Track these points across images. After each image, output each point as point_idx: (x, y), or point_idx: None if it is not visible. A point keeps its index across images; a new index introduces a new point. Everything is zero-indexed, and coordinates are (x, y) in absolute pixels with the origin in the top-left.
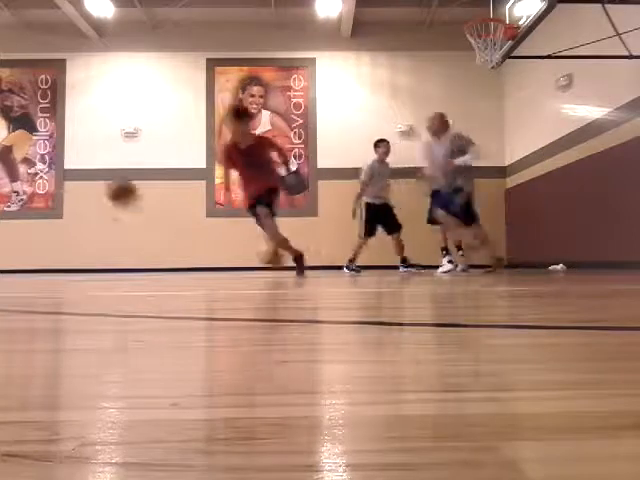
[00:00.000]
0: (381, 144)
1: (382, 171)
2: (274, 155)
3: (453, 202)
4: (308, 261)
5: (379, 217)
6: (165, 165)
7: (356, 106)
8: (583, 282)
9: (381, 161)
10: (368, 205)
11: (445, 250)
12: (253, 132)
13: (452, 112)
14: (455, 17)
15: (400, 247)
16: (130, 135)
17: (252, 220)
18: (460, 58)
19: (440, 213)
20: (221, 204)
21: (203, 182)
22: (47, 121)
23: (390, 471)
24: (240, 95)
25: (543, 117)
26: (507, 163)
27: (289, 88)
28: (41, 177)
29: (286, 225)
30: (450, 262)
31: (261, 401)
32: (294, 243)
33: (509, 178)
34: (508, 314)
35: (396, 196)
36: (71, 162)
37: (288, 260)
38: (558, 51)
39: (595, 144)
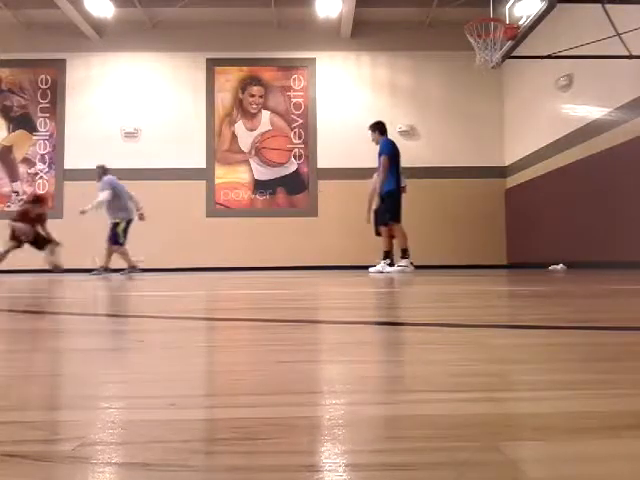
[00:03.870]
0: None
1: None
2: None
3: None
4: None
5: None
6: (165, 165)
7: (356, 106)
8: (583, 282)
9: None
10: None
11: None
12: None
13: (452, 112)
14: (455, 17)
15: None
16: (130, 135)
17: (252, 220)
18: (460, 58)
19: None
20: (221, 204)
21: (203, 182)
22: (47, 121)
23: (390, 471)
24: (240, 95)
25: (543, 117)
26: (507, 163)
27: (289, 88)
28: (41, 177)
29: (286, 225)
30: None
31: (261, 401)
32: (294, 242)
33: (509, 178)
34: (508, 314)
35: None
36: (71, 162)
37: None
38: (558, 51)
39: (595, 144)
